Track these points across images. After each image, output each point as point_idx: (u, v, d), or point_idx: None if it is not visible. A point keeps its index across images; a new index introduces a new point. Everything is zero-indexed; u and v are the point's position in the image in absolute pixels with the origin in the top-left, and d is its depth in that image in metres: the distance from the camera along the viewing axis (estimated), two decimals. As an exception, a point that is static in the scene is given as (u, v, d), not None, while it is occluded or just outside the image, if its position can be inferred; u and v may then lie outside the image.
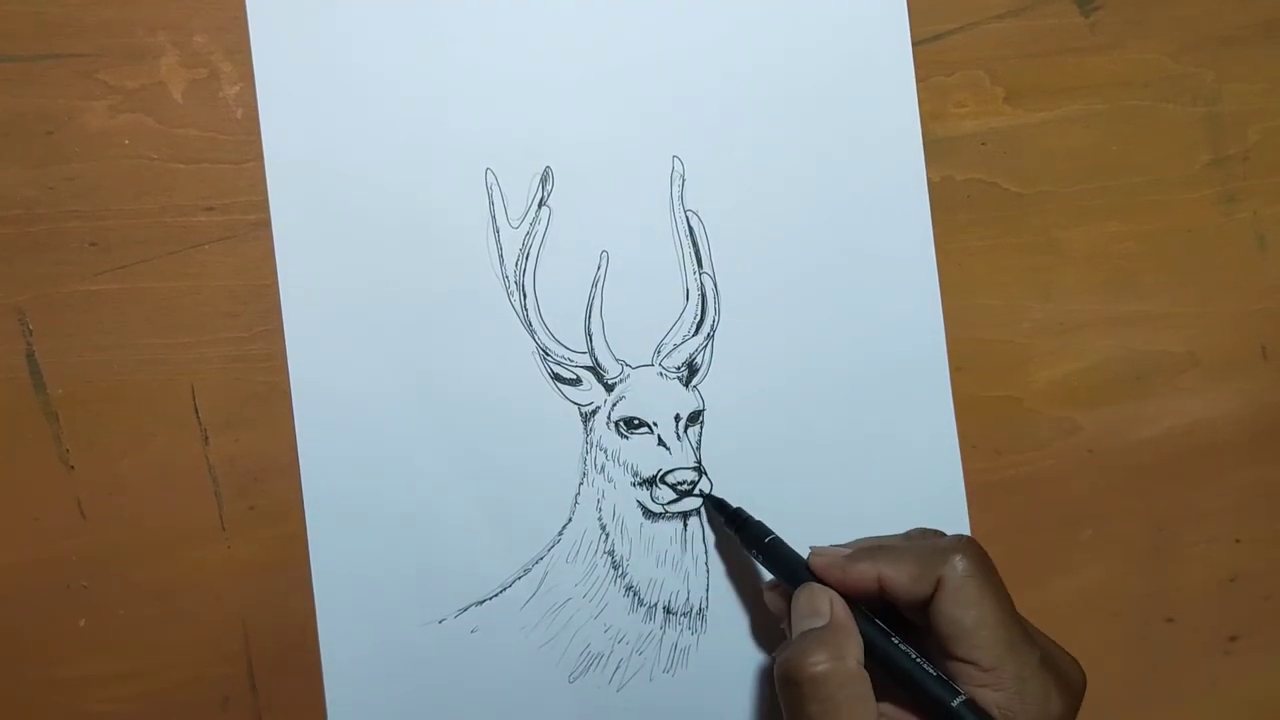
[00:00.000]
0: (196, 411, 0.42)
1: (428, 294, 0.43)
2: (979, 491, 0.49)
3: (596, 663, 0.45)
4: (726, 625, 0.46)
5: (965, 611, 0.38)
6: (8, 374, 0.41)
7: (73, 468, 0.41)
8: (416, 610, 0.43)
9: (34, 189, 0.41)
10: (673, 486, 0.45)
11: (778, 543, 0.43)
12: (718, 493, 0.45)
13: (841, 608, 0.40)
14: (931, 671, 0.38)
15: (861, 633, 0.39)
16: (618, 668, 0.45)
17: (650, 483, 0.45)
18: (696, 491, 0.45)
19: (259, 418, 0.42)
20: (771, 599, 0.44)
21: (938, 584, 0.39)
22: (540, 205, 0.44)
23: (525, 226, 0.44)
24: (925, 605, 0.39)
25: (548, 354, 0.44)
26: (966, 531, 0.49)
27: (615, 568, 0.45)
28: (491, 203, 0.44)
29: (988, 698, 0.38)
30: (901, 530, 0.45)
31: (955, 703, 0.37)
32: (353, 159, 0.43)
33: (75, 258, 0.41)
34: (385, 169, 0.43)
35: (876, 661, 0.39)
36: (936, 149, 0.49)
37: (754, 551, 0.43)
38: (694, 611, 0.46)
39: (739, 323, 0.46)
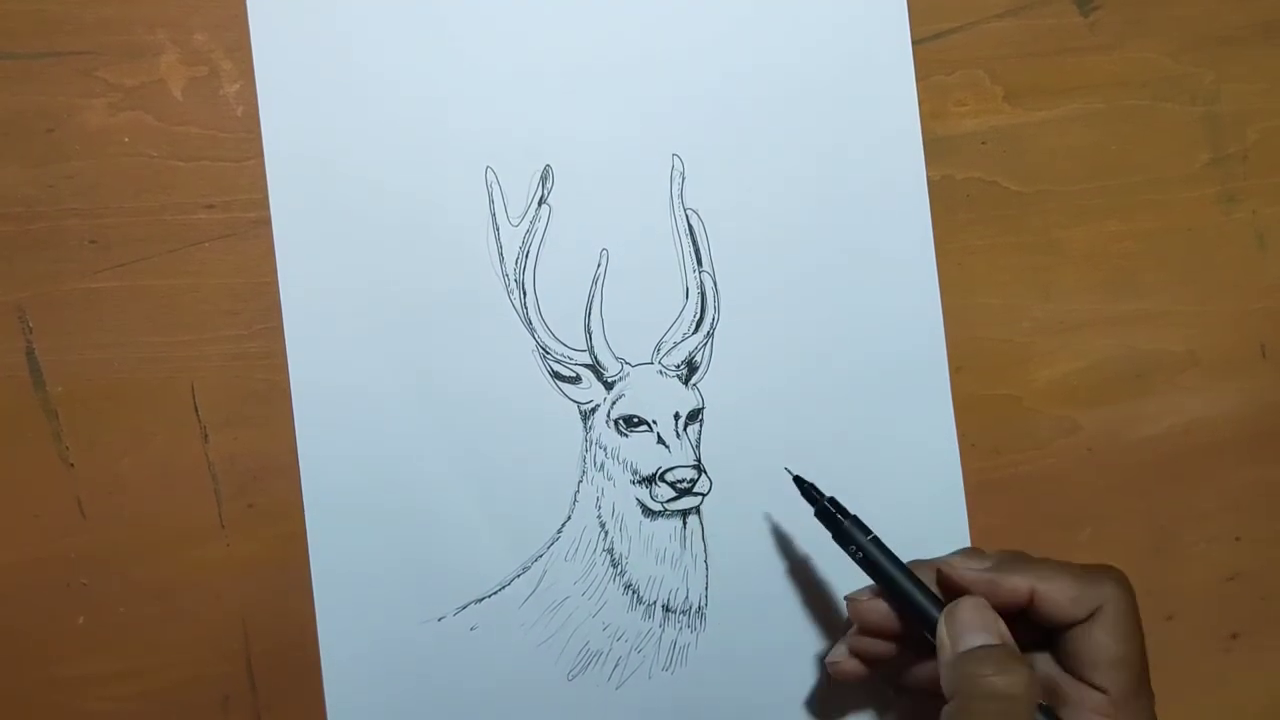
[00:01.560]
0: (196, 410, 0.42)
1: (428, 292, 0.43)
2: (979, 491, 0.49)
3: (595, 660, 0.45)
4: (725, 623, 0.46)
5: (1119, 643, 0.39)
6: (8, 372, 0.41)
7: (73, 466, 0.41)
8: (416, 608, 0.43)
9: (34, 187, 0.41)
10: (672, 484, 0.45)
11: (880, 547, 0.41)
12: (717, 492, 0.45)
13: (1006, 630, 0.39)
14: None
15: None
16: (616, 665, 0.45)
17: (650, 481, 0.45)
18: (693, 502, 0.45)
19: (259, 416, 0.42)
20: (871, 607, 0.42)
21: (1097, 610, 0.39)
22: (540, 203, 0.44)
23: (525, 225, 0.44)
24: (1070, 627, 0.39)
25: (547, 352, 0.44)
26: (965, 530, 0.49)
27: (614, 566, 0.45)
28: (491, 201, 0.44)
29: None
30: (900, 532, 0.44)
31: None
32: (353, 157, 0.43)
33: (75, 255, 0.41)
34: (385, 167, 0.43)
35: None
36: (936, 148, 0.49)
37: (852, 555, 0.42)
38: (693, 609, 0.46)
39: (739, 321, 0.46)
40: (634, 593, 0.45)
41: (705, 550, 0.46)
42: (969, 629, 0.38)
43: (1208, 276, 0.53)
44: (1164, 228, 0.52)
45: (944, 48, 0.49)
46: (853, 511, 0.42)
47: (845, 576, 0.46)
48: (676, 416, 0.45)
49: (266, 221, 0.42)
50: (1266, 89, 0.53)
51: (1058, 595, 0.39)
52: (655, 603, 0.45)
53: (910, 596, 0.41)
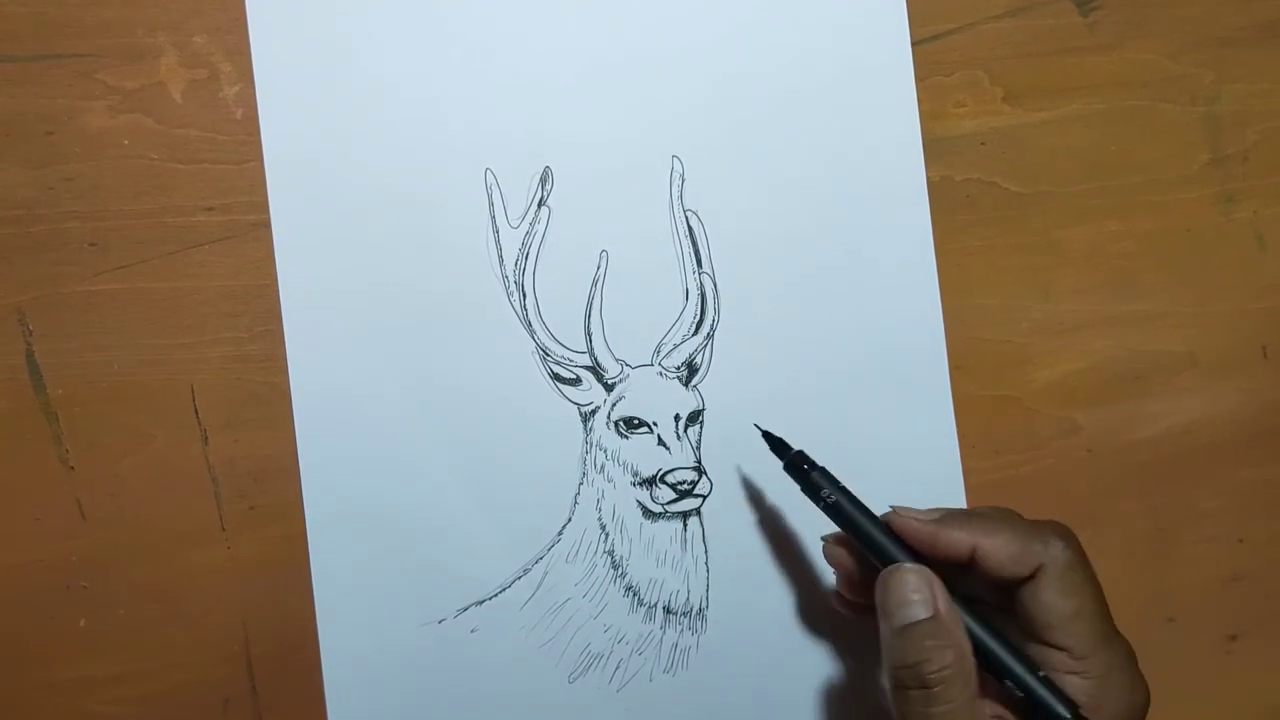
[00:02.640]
0: (196, 412, 0.42)
1: (427, 294, 0.43)
2: (979, 491, 0.49)
3: (596, 663, 0.45)
4: (726, 625, 0.46)
5: (1067, 600, 0.38)
6: (8, 374, 0.41)
7: (73, 468, 0.41)
8: (416, 610, 0.43)
9: (34, 189, 0.41)
10: (672, 486, 0.45)
11: (848, 496, 0.41)
12: (717, 493, 0.45)
13: (945, 598, 0.38)
14: (1036, 676, 0.38)
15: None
16: (618, 668, 0.45)
17: (650, 482, 0.45)
18: (694, 504, 0.45)
19: (259, 418, 0.42)
20: (834, 552, 0.42)
21: (1038, 569, 0.38)
22: (540, 205, 0.44)
23: (525, 226, 0.44)
24: (1016, 585, 0.39)
25: (547, 354, 0.44)
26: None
27: (615, 568, 0.45)
28: (491, 203, 0.44)
29: (1075, 685, 0.38)
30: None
31: (1037, 683, 0.37)
32: (353, 159, 0.43)
33: (75, 258, 0.41)
34: (385, 169, 0.43)
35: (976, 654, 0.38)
36: (936, 149, 0.49)
37: (821, 504, 0.41)
38: (694, 611, 0.46)
39: (739, 323, 0.46)
40: (635, 595, 0.45)
41: (706, 552, 0.46)
42: (902, 602, 0.38)
43: (1207, 277, 0.53)
44: (1164, 228, 0.52)
45: (943, 49, 0.49)
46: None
47: (845, 578, 0.46)
48: (677, 418, 0.45)
49: (266, 224, 0.42)
50: (1267, 89, 0.53)
51: (998, 552, 0.39)
52: (656, 605, 0.45)
53: (876, 546, 0.40)
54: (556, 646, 0.45)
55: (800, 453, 0.43)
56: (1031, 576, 0.38)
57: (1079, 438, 0.51)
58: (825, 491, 0.41)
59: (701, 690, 0.46)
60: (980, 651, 0.38)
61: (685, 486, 0.45)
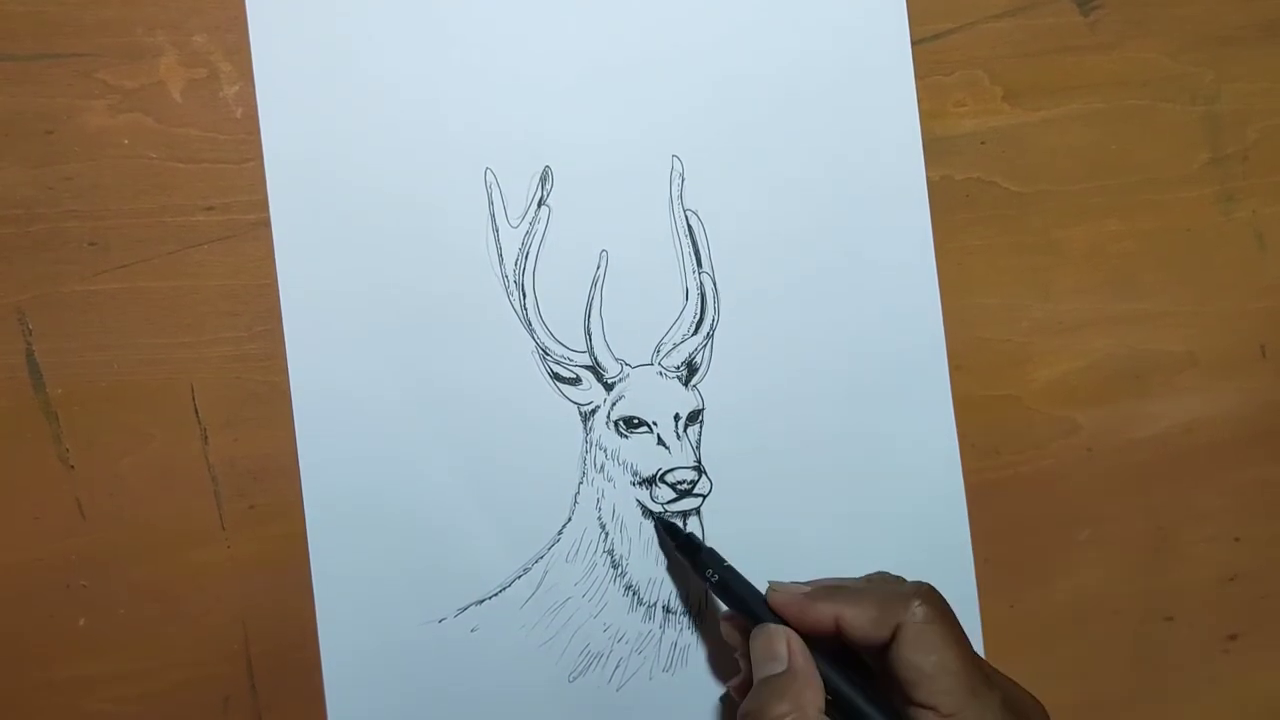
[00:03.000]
0: (196, 411, 0.42)
1: (427, 293, 0.43)
2: (979, 491, 0.49)
3: (596, 662, 0.45)
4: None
5: (925, 657, 0.38)
6: (8, 374, 0.41)
7: (73, 467, 0.41)
8: (416, 610, 0.43)
9: (33, 189, 0.41)
10: (672, 486, 0.45)
11: (732, 574, 0.43)
12: (718, 493, 0.46)
13: (801, 653, 0.40)
14: (888, 718, 0.39)
15: (822, 675, 0.39)
16: (617, 667, 0.45)
17: (650, 482, 0.45)
18: (694, 503, 0.45)
19: (259, 418, 0.42)
20: (727, 630, 0.43)
21: (897, 629, 0.39)
22: (540, 205, 0.44)
23: (525, 226, 0.44)
24: (884, 649, 0.39)
25: (547, 353, 0.44)
26: (966, 530, 0.49)
27: (615, 567, 0.45)
28: (491, 202, 0.44)
29: None
30: (900, 531, 0.45)
31: None
32: (353, 159, 0.43)
33: (75, 257, 0.41)
34: (385, 169, 0.43)
35: (838, 704, 0.39)
36: (936, 148, 0.49)
37: (707, 582, 0.43)
38: (694, 611, 0.46)
39: (738, 322, 0.46)
40: (635, 594, 0.45)
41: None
42: (758, 658, 0.40)
43: (1207, 276, 0.53)
44: (1163, 227, 0.52)
45: (943, 48, 0.49)
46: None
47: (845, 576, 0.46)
48: (676, 418, 0.45)
49: (266, 223, 0.42)
50: (1267, 89, 0.53)
51: (859, 619, 0.39)
52: (656, 604, 0.45)
53: (757, 618, 0.42)
54: (556, 645, 0.45)
55: (690, 535, 0.44)
56: (893, 638, 0.39)
57: (1079, 437, 0.51)
58: (710, 571, 0.43)
59: (701, 689, 0.46)
60: (850, 710, 0.39)
61: (685, 486, 0.45)
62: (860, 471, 0.47)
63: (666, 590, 0.45)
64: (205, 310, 0.42)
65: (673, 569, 0.45)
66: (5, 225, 0.41)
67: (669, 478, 0.45)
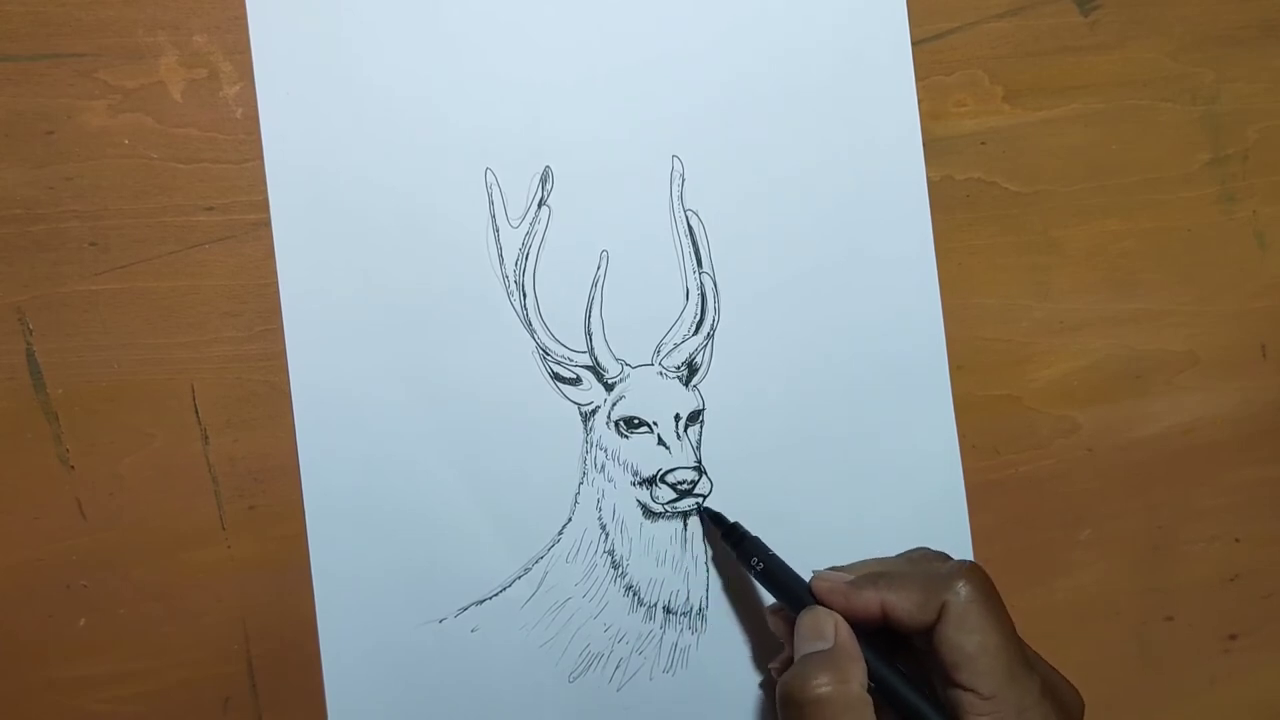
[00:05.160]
0: (196, 411, 0.42)
1: (427, 294, 0.43)
2: (979, 491, 0.49)
3: (596, 662, 0.45)
4: (726, 625, 0.46)
5: (968, 637, 0.38)
6: (8, 374, 0.41)
7: (73, 468, 0.41)
8: (416, 610, 0.43)
9: (34, 189, 0.41)
10: (673, 486, 0.45)
11: (777, 563, 0.43)
12: (718, 493, 0.45)
13: (846, 631, 0.40)
14: (929, 703, 0.39)
15: (865, 659, 0.39)
16: (618, 667, 0.45)
17: (650, 482, 0.45)
18: (694, 503, 0.45)
19: (259, 418, 0.42)
20: (774, 622, 0.44)
21: (941, 610, 0.39)
22: (540, 205, 0.44)
23: (525, 226, 0.44)
24: (929, 631, 0.39)
25: (547, 354, 0.44)
26: (966, 531, 0.49)
27: (615, 567, 0.45)
28: (491, 203, 0.44)
29: None
30: (900, 531, 0.45)
31: None
32: (353, 159, 0.43)
33: (75, 257, 0.41)
34: (385, 169, 0.43)
35: (879, 688, 0.39)
36: (936, 148, 0.49)
37: (752, 570, 0.43)
38: (694, 611, 0.46)
39: (739, 322, 0.46)
40: (635, 594, 0.45)
41: (706, 552, 0.46)
42: (802, 637, 0.40)
43: (1208, 276, 0.53)
44: (1164, 227, 0.52)
45: (943, 48, 0.49)
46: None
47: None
48: (677, 418, 0.45)
49: (266, 223, 0.42)
50: (1267, 89, 0.53)
51: (904, 603, 0.39)
52: (656, 604, 0.45)
53: (800, 606, 0.42)
54: (557, 646, 0.45)
55: (736, 524, 0.44)
56: (937, 620, 0.39)
57: (1079, 437, 0.51)
58: (755, 559, 0.43)
59: (701, 690, 0.46)
60: (898, 701, 0.39)
61: (685, 486, 0.45)
62: (860, 471, 0.47)
63: (667, 591, 0.45)
64: (205, 310, 0.42)
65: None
66: (6, 225, 0.41)
67: (669, 478, 0.45)
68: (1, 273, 0.41)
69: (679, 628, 0.46)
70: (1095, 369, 0.51)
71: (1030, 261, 0.50)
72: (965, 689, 0.38)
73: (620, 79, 0.45)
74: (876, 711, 0.38)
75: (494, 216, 0.44)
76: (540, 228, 0.44)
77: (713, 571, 0.46)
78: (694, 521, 0.46)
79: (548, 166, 0.45)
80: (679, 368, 0.46)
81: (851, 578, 0.41)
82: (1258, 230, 0.53)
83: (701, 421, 0.46)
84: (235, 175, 0.42)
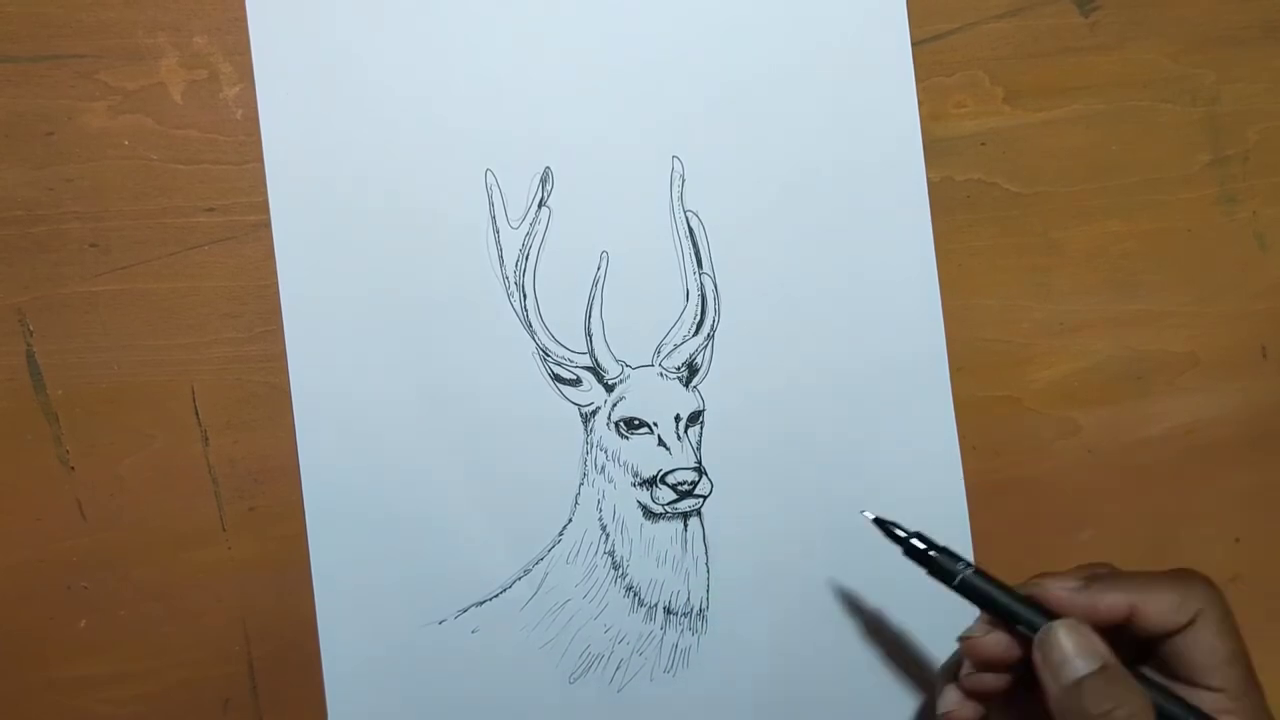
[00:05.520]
0: (196, 412, 0.42)
1: (428, 295, 0.43)
2: (979, 492, 0.49)
3: (597, 663, 0.45)
4: (727, 625, 0.46)
5: (1226, 642, 0.39)
6: (8, 374, 0.41)
7: (73, 468, 0.41)
8: (416, 611, 0.43)
9: (34, 190, 0.41)
10: (673, 487, 0.45)
11: (982, 574, 0.40)
12: (718, 493, 0.45)
13: (1107, 648, 0.38)
14: (1192, 711, 0.38)
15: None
16: (618, 668, 0.45)
17: (650, 483, 0.45)
18: (694, 504, 0.45)
19: (259, 418, 0.42)
20: (986, 643, 0.40)
21: (1198, 613, 0.39)
22: (540, 206, 0.44)
23: (525, 227, 0.44)
24: (1171, 634, 0.39)
25: (548, 354, 0.44)
26: (966, 532, 0.48)
27: (615, 568, 0.45)
28: (491, 203, 0.44)
29: None
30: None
31: None
32: (353, 159, 0.43)
33: (75, 259, 0.41)
34: (385, 169, 0.43)
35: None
36: (936, 149, 0.49)
37: (952, 583, 0.40)
38: (694, 612, 0.46)
39: (739, 323, 0.46)
40: (635, 595, 0.45)
41: (706, 552, 0.46)
42: (1072, 655, 0.38)
43: (1208, 277, 0.53)
44: (1164, 228, 0.52)
45: (943, 49, 0.49)
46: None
47: (845, 578, 0.46)
48: (677, 419, 0.45)
49: (266, 224, 0.42)
50: (1267, 89, 0.53)
51: (1159, 605, 0.39)
52: (656, 605, 0.45)
53: (1028, 621, 0.39)
54: (557, 647, 0.45)
55: (919, 534, 0.41)
56: (1190, 623, 0.39)
57: (1079, 438, 0.51)
58: (957, 570, 0.40)
59: (701, 690, 0.46)
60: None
61: (685, 487, 0.45)
62: (860, 472, 0.47)
63: (667, 592, 0.45)
64: (206, 311, 0.42)
65: (675, 568, 0.45)
66: (6, 226, 0.41)
67: (670, 479, 0.45)
68: (2, 274, 0.41)
69: (679, 628, 0.46)
70: (1096, 370, 0.51)
71: (1031, 262, 0.50)
72: (1215, 690, 0.38)
73: (620, 80, 0.45)
74: None
75: (494, 217, 0.44)
76: (540, 228, 0.44)
77: (713, 572, 0.46)
78: (694, 522, 0.46)
79: (548, 167, 0.45)
80: (679, 368, 0.46)
81: (1079, 582, 0.40)
82: (1258, 231, 0.53)
83: (701, 422, 0.46)
84: (235, 176, 0.42)
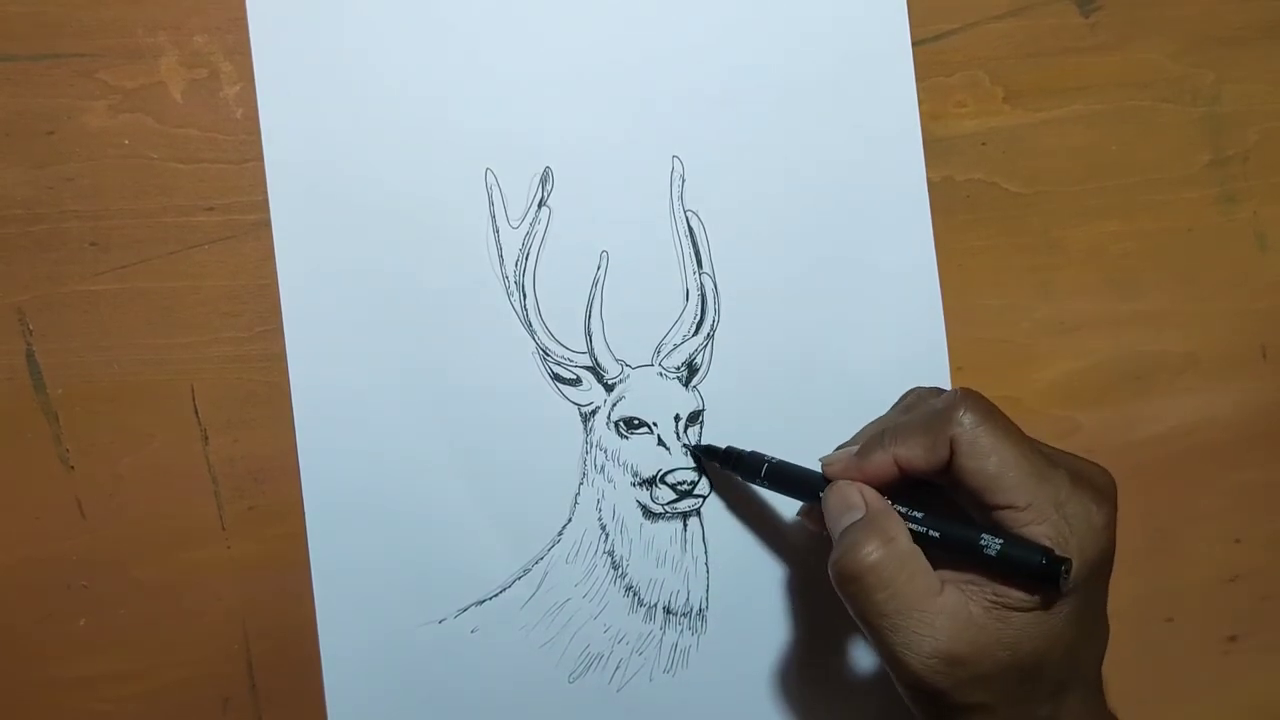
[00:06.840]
0: (196, 411, 0.42)
1: (428, 294, 0.43)
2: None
3: (596, 663, 0.45)
4: (726, 625, 0.46)
5: (985, 461, 0.38)
6: (8, 374, 0.41)
7: (73, 468, 0.41)
8: (416, 610, 0.43)
9: (34, 189, 0.41)
10: (672, 487, 0.45)
11: (783, 465, 0.43)
12: (718, 494, 0.46)
13: (873, 494, 0.40)
14: (975, 529, 0.38)
15: (902, 514, 0.39)
16: (618, 668, 0.45)
17: (650, 483, 0.45)
18: (694, 504, 0.45)
19: (259, 418, 0.42)
20: (811, 519, 0.44)
21: (951, 444, 0.38)
22: (540, 205, 0.44)
23: (525, 226, 0.44)
24: (946, 469, 0.39)
25: (547, 354, 0.44)
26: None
27: (615, 568, 0.45)
28: (491, 203, 0.44)
29: (1035, 532, 0.37)
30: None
31: (998, 547, 0.37)
32: (353, 159, 0.43)
33: (75, 258, 0.41)
34: (385, 169, 0.43)
35: (924, 536, 0.39)
36: (936, 149, 0.49)
37: (763, 483, 0.43)
38: (694, 612, 0.46)
39: (739, 323, 0.46)
40: (635, 595, 0.45)
41: (706, 552, 0.46)
42: (834, 516, 0.40)
43: (1208, 277, 0.53)
44: (1164, 228, 0.52)
45: (944, 49, 0.49)
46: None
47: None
48: (677, 418, 0.45)
49: (266, 223, 0.42)
50: (1267, 90, 0.53)
51: (915, 452, 0.39)
52: (656, 605, 0.45)
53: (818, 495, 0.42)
54: (556, 646, 0.45)
55: (729, 448, 0.44)
56: (951, 454, 0.39)
57: (1079, 438, 0.51)
58: (764, 467, 0.43)
59: (701, 690, 0.46)
60: (943, 539, 0.39)
61: (685, 487, 0.45)
62: (860, 472, 0.47)
63: (667, 591, 0.45)
64: (205, 311, 0.42)
65: (675, 568, 0.45)
66: (6, 225, 0.41)
67: (669, 478, 0.45)
68: (1, 273, 0.41)
69: (679, 628, 0.46)
70: (1096, 370, 0.51)
71: (1031, 262, 0.50)
72: (1001, 507, 0.38)
73: (620, 79, 0.45)
74: (931, 559, 0.38)
75: (494, 217, 0.44)
76: (540, 228, 0.44)
77: (713, 572, 0.46)
78: (694, 522, 0.46)
79: (548, 167, 0.45)
80: (679, 368, 0.46)
81: (857, 447, 0.41)
82: (1258, 231, 0.53)
83: (701, 422, 0.46)
84: (235, 175, 0.42)
